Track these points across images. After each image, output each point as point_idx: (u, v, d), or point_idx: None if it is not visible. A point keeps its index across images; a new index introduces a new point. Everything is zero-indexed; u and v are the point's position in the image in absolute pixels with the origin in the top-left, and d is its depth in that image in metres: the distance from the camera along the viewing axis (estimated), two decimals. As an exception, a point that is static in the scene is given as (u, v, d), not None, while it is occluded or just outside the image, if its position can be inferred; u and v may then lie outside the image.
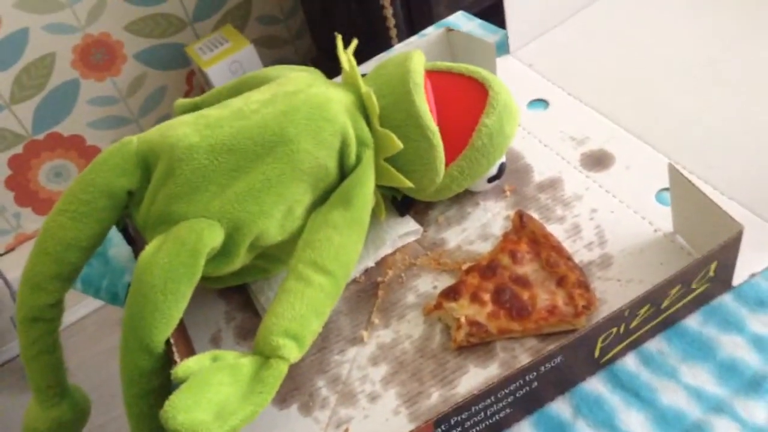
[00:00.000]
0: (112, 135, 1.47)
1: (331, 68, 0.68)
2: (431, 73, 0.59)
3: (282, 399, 0.51)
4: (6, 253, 1.43)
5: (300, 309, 0.46)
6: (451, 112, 0.57)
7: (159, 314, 0.45)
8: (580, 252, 0.55)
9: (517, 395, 0.44)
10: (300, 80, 0.55)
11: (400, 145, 0.53)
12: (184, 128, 0.51)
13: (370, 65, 0.80)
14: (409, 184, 0.55)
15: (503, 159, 0.60)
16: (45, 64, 1.33)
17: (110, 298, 0.66)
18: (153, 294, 0.45)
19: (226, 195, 0.49)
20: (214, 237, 0.48)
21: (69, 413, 0.55)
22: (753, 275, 0.50)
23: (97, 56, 1.39)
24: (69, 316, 1.48)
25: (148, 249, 0.47)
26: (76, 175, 1.49)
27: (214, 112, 0.53)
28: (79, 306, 1.47)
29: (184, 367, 0.43)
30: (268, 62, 1.32)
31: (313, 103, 0.52)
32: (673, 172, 0.50)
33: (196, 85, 1.55)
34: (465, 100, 0.57)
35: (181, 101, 0.66)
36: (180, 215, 0.49)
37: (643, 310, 0.45)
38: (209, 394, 0.41)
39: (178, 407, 0.40)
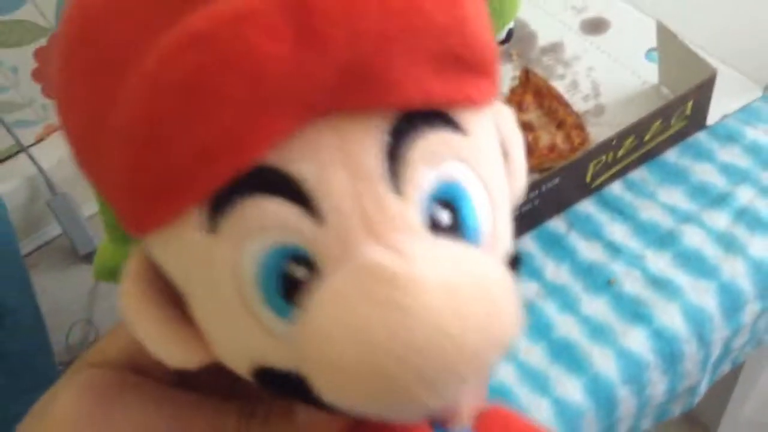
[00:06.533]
0: (130, 28, 1.52)
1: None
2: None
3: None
4: (37, 142, 1.51)
5: None
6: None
7: None
8: (577, 104, 0.63)
9: (522, 211, 0.53)
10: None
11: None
12: None
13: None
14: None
15: (512, 24, 0.67)
16: (63, -43, 1.37)
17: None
18: None
19: None
20: None
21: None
22: (725, 116, 0.59)
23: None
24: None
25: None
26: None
27: None
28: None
29: None
30: None
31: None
32: (661, 27, 0.57)
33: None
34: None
35: None
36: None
37: (628, 141, 0.53)
38: None
39: None
